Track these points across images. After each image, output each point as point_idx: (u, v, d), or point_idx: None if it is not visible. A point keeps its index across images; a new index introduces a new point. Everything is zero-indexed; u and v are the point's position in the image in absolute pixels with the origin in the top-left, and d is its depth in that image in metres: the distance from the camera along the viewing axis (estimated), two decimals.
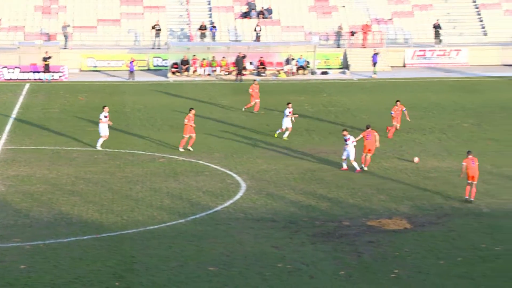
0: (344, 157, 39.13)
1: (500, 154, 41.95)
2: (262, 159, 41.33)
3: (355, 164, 38.75)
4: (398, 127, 46.53)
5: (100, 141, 43.12)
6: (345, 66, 71.37)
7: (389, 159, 41.42)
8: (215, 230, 30.77)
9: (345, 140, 39.21)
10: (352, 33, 73.15)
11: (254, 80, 56.83)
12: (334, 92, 60.77)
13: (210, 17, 76.21)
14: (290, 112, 45.51)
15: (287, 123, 45.44)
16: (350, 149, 38.97)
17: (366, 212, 32.99)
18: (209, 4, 77.67)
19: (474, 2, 79.23)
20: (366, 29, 73.11)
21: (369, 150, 39.30)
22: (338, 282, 26.00)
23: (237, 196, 35.05)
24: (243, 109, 53.29)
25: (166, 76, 67.82)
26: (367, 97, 58.69)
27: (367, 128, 39.83)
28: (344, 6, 77.41)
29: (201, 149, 43.01)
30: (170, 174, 38.50)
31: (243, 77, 66.22)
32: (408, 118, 47.10)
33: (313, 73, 69.21)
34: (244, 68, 67.25)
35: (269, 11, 76.55)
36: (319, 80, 66.61)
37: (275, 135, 45.69)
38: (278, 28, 75.51)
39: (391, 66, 71.30)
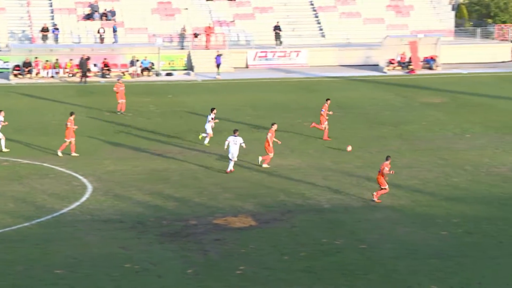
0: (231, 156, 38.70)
1: (339, 151, 42.99)
2: (108, 160, 40.84)
3: (231, 164, 38.70)
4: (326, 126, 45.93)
5: (2, 142, 41.90)
6: (189, 67, 71.52)
7: None
8: (61, 232, 30.16)
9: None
10: (195, 35, 73.37)
11: (118, 79, 55.94)
12: (179, 93, 60.78)
13: (52, 19, 74.72)
14: (212, 118, 44.53)
15: (209, 128, 44.48)
16: (233, 149, 38.55)
17: (212, 210, 33.11)
18: (51, 6, 76.15)
19: (312, 5, 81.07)
20: (209, 31, 73.50)
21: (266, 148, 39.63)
22: (186, 280, 25.98)
23: (84, 198, 34.48)
24: (118, 113, 52.05)
25: (8, 78, 65.99)
26: (211, 97, 58.97)
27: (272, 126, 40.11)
28: (187, 9, 77.57)
29: (46, 151, 42.07)
30: (14, 177, 37.47)
31: (88, 79, 65.28)
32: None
33: (157, 74, 68.99)
34: (89, 70, 66.23)
35: (112, 13, 75.77)
36: (164, 82, 66.49)
37: (200, 137, 44.70)
38: (121, 30, 74.82)
39: (234, 67, 71.94)
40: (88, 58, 65.90)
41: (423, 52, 73.98)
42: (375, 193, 34.11)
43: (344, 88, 64.12)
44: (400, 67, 73.55)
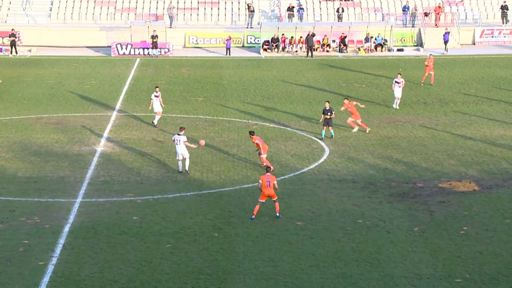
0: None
1: None
2: (343, 126, 40.99)
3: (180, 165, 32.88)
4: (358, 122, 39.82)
5: (157, 118, 40.78)
6: (419, 44, 70.18)
7: (458, 128, 40.66)
8: (302, 189, 30.70)
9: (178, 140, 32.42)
10: (426, 14, 71.81)
11: (430, 54, 55.84)
12: (409, 67, 59.84)
13: None
14: (157, 96, 40.46)
15: (157, 107, 40.67)
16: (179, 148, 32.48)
17: (438, 175, 32.46)
18: None
19: None
20: (438, 10, 71.68)
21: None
22: (412, 237, 25.70)
23: (321, 160, 34.88)
24: (422, 84, 52.20)
25: (258, 52, 67.77)
26: (439, 71, 57.52)
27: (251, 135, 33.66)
28: None
29: (289, 117, 42.91)
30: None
31: (327, 53, 65.69)
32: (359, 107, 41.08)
33: (390, 50, 68.25)
34: (313, 46, 66.24)
35: None
36: (395, 57, 65.64)
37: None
38: (358, 10, 74.58)
39: (461, 44, 69.79)
40: (313, 35, 66.18)
41: None
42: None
43: None
44: None
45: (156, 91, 41.10)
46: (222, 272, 23.01)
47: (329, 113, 38.13)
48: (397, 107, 45.05)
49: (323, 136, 38.35)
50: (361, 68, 59.36)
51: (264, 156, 33.45)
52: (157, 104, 40.89)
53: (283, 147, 37.06)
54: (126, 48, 65.96)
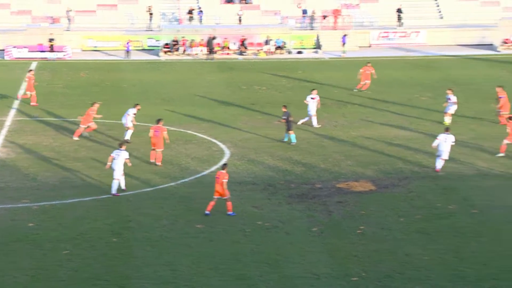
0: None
1: (454, 123, 41.96)
2: (244, 129, 41.16)
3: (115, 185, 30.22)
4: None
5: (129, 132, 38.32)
6: (317, 46, 71.14)
7: (356, 128, 41.38)
8: (202, 192, 30.57)
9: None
10: (324, 17, 72.88)
11: (368, 62, 53.21)
12: (308, 69, 60.58)
13: (198, 2, 75.57)
14: (134, 114, 38.24)
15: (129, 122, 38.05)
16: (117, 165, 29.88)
17: (336, 175, 32.95)
18: None
19: None
20: (336, 13, 72.85)
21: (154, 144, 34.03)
22: (311, 237, 26.01)
23: (222, 162, 34.89)
24: (355, 90, 50.87)
25: (158, 55, 67.33)
26: (337, 73, 58.56)
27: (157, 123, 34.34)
28: None
29: (190, 120, 42.80)
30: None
31: (214, 56, 65.57)
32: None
33: (289, 52, 68.94)
34: (213, 49, 66.29)
35: None
36: (295, 59, 66.36)
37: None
38: (258, 12, 75.03)
39: (358, 46, 71.11)
40: (214, 38, 66.27)
41: None
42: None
43: (459, 66, 62.37)
44: None
45: (137, 109, 38.55)
46: (120, 278, 22.73)
47: (283, 118, 38.03)
48: (317, 125, 41.63)
49: (285, 139, 38.27)
50: (261, 70, 59.71)
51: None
52: (130, 119, 38.11)
53: (184, 150, 36.89)
54: (22, 52, 64.43)
